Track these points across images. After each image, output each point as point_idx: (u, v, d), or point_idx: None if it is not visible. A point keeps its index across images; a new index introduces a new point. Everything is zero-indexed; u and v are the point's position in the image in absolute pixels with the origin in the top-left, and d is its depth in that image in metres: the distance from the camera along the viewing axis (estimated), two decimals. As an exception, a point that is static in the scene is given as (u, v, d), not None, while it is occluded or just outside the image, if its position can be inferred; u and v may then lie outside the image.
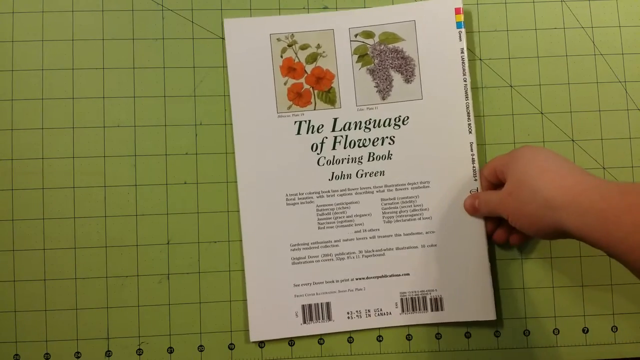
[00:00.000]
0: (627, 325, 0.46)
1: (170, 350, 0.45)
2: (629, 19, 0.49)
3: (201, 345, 0.46)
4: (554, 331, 0.46)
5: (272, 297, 0.45)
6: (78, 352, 0.45)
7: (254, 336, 0.45)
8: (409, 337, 0.46)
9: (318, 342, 0.46)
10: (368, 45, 0.47)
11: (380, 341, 0.46)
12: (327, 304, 0.45)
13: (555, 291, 0.47)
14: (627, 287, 0.47)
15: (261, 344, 0.46)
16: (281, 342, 0.46)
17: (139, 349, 0.45)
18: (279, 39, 0.47)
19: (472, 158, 0.46)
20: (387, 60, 0.47)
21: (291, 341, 0.46)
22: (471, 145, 0.46)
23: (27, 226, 0.45)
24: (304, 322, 0.45)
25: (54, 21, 0.47)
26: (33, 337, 0.45)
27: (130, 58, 0.47)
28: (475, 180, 0.46)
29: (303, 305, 0.45)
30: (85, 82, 0.47)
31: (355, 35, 0.47)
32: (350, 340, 0.46)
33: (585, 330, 0.46)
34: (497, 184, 0.44)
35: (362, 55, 0.47)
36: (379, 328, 0.46)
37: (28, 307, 0.45)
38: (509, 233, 0.45)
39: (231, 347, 0.46)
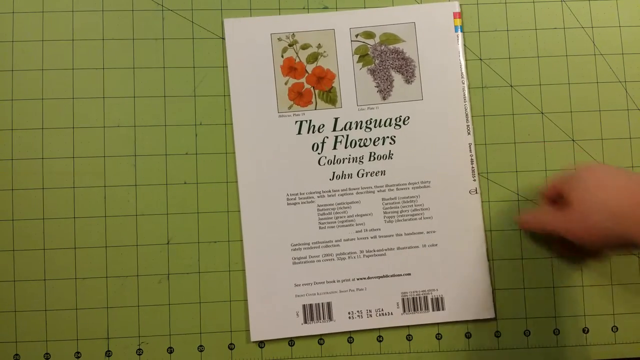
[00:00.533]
0: (627, 325, 0.46)
1: (170, 350, 0.45)
2: (629, 19, 0.49)
3: (201, 345, 0.45)
4: (554, 331, 0.46)
5: (273, 297, 0.45)
6: (78, 352, 0.45)
7: (255, 336, 0.45)
8: (409, 338, 0.46)
9: (318, 342, 0.46)
10: (369, 46, 0.47)
11: (380, 341, 0.46)
12: (328, 304, 0.45)
13: (555, 291, 0.47)
14: (627, 287, 0.47)
15: (261, 344, 0.46)
16: (281, 342, 0.46)
17: (139, 349, 0.45)
18: (279, 39, 0.47)
19: (471, 159, 0.46)
20: (387, 61, 0.47)
21: (291, 341, 0.46)
22: (470, 146, 0.46)
23: (27, 226, 0.45)
24: (305, 322, 0.45)
25: (54, 21, 0.47)
26: (33, 337, 0.45)
27: (130, 58, 0.47)
28: (475, 180, 0.46)
29: (304, 305, 0.45)
30: (86, 82, 0.47)
31: (356, 36, 0.47)
32: (350, 341, 0.46)
33: (585, 331, 0.46)
34: (556, 201, 0.43)
35: (362, 55, 0.47)
36: (380, 328, 0.46)
37: (28, 307, 0.45)
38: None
39: (231, 347, 0.46)
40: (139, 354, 0.45)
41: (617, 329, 0.46)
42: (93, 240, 0.46)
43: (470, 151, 0.47)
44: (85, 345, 0.45)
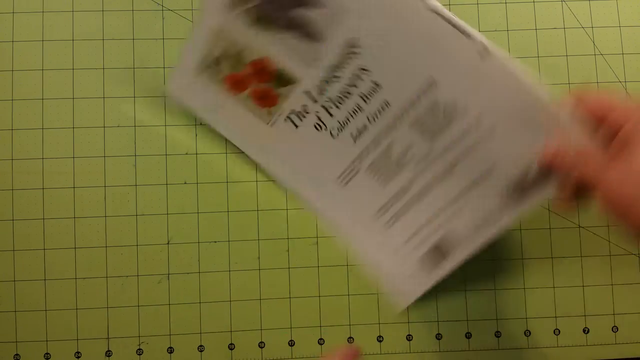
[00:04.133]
0: (627, 325, 0.46)
1: (170, 350, 0.45)
2: (629, 19, 0.49)
3: (201, 345, 0.46)
4: (554, 331, 0.46)
5: (393, 265, 0.45)
6: (78, 352, 0.45)
7: (401, 305, 0.45)
8: (409, 338, 0.46)
9: (318, 342, 0.46)
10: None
11: (380, 341, 0.46)
12: (437, 244, 0.43)
13: (555, 291, 0.47)
14: (627, 287, 0.47)
15: (261, 343, 0.46)
16: (281, 341, 0.46)
17: (139, 349, 0.45)
18: None
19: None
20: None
21: (291, 341, 0.46)
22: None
23: (27, 226, 0.45)
24: (427, 271, 0.44)
25: (54, 21, 0.47)
26: (33, 337, 0.45)
27: (130, 58, 0.47)
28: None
29: (421, 256, 0.44)
30: (85, 82, 0.47)
31: None
32: (350, 341, 0.46)
33: (585, 331, 0.46)
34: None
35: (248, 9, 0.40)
36: (379, 327, 0.46)
37: (28, 307, 0.45)
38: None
39: (231, 347, 0.46)
40: (139, 354, 0.45)
41: (617, 329, 0.46)
42: (93, 240, 0.46)
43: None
44: (85, 345, 0.45)
